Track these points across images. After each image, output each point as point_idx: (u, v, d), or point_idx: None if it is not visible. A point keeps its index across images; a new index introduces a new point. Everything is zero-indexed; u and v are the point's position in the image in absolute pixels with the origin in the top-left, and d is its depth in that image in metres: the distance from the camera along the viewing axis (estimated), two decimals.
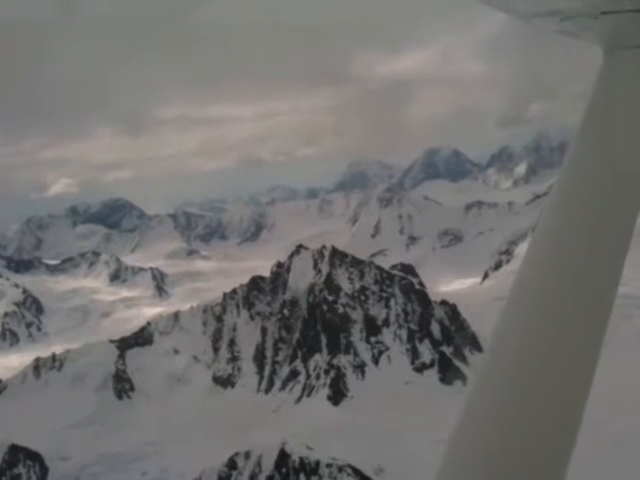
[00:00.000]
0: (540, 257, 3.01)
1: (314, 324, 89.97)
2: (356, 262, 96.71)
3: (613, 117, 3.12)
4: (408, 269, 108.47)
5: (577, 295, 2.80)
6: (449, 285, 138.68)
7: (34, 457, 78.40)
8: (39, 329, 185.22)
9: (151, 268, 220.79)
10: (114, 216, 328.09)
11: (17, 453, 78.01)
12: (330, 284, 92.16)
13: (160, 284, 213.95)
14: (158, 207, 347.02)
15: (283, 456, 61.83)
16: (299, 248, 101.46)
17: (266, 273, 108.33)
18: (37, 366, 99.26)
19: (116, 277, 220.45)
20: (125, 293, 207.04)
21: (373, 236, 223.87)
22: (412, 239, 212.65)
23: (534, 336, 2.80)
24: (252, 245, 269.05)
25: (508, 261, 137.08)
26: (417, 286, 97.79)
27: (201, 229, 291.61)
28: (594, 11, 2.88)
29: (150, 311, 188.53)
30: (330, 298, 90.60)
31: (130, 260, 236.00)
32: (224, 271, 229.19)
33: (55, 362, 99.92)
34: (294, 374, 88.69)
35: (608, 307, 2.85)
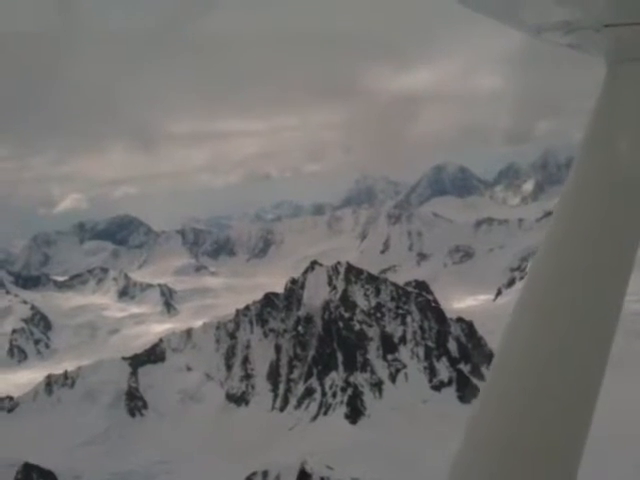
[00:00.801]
0: (546, 269, 2.99)
1: (330, 341, 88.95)
2: (372, 278, 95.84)
3: (616, 130, 3.06)
4: (422, 286, 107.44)
5: (583, 307, 2.81)
6: (462, 302, 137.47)
7: (47, 476, 77.39)
8: (47, 346, 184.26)
9: (159, 284, 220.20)
10: (121, 232, 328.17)
11: (30, 472, 76.98)
12: (346, 301, 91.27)
13: (169, 300, 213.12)
14: (164, 224, 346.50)
15: (303, 476, 60.78)
16: (313, 264, 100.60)
17: (276, 289, 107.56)
18: (49, 383, 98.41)
19: (124, 293, 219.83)
20: (133, 309, 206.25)
21: (382, 252, 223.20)
22: (422, 256, 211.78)
23: (540, 347, 2.81)
24: (260, 261, 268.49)
25: (521, 278, 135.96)
26: (433, 303, 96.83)
27: (209, 245, 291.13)
28: (597, 24, 2.85)
29: (159, 327, 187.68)
30: (346, 315, 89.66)
31: (138, 276, 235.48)
32: (233, 287, 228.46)
33: (67, 379, 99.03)
34: (309, 392, 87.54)
35: (615, 319, 2.82)
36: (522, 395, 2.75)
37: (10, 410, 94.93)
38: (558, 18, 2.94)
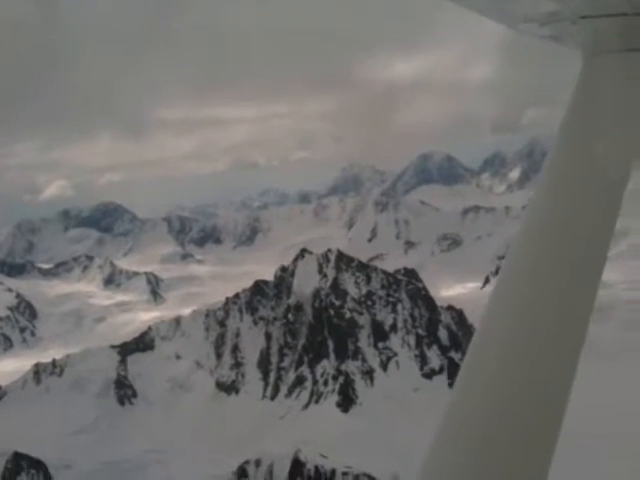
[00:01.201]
0: (521, 261, 3.03)
1: (321, 329, 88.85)
2: (362, 266, 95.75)
3: (593, 121, 3.10)
4: (411, 274, 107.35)
5: (557, 298, 2.85)
6: (450, 290, 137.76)
7: (37, 465, 76.87)
8: (33, 334, 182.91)
9: (146, 272, 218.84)
10: (106, 220, 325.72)
11: (20, 461, 76.43)
12: (336, 289, 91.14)
13: (155, 288, 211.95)
14: (149, 211, 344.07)
15: (297, 464, 60.70)
16: (303, 252, 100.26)
17: (263, 277, 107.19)
18: (37, 371, 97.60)
19: (110, 281, 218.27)
20: (120, 297, 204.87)
21: (370, 240, 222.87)
22: (409, 244, 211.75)
23: (515, 337, 2.84)
24: (247, 249, 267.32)
25: None
26: (423, 291, 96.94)
27: (195, 233, 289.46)
28: (573, 16, 2.92)
29: (145, 316, 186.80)
30: (337, 303, 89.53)
31: (124, 264, 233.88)
32: (220, 275, 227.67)
33: (55, 368, 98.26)
34: (300, 380, 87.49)
35: (588, 311, 2.87)
36: (496, 386, 2.76)
37: None
38: (535, 10, 2.99)
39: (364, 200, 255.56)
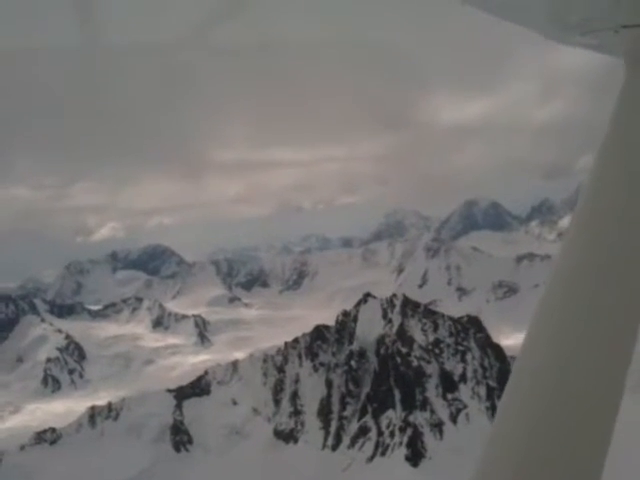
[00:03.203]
0: (566, 275, 2.95)
1: (386, 378, 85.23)
2: (429, 312, 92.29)
3: (636, 130, 3.01)
4: (474, 321, 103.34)
5: (604, 312, 2.79)
6: (510, 338, 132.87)
7: None
8: (81, 376, 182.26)
9: (194, 315, 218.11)
10: (154, 262, 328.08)
11: None
12: (403, 335, 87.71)
13: (203, 331, 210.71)
14: (192, 254, 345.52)
15: None
16: (366, 297, 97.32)
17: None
18: (92, 415, 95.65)
19: (159, 324, 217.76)
20: (168, 340, 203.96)
21: (420, 287, 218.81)
22: (461, 290, 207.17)
23: (561, 352, 2.79)
24: (294, 294, 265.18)
25: None
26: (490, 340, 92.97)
27: (242, 276, 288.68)
28: (615, 25, 2.89)
29: (194, 359, 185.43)
30: (404, 350, 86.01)
31: (172, 307, 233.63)
32: (267, 319, 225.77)
33: (111, 411, 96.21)
34: (364, 431, 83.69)
35: (636, 325, 2.80)
36: (542, 402, 2.68)
37: (53, 442, 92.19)
38: (576, 19, 2.88)
39: (414, 245, 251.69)
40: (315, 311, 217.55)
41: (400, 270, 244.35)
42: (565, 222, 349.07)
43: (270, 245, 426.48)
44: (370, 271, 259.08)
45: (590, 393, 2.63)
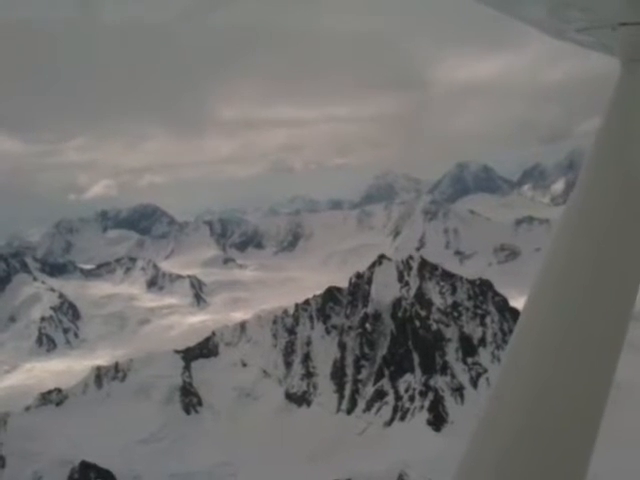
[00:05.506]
0: (556, 266, 3.01)
1: (404, 341, 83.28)
2: (447, 275, 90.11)
3: (630, 128, 3.06)
4: (486, 284, 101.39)
5: (594, 303, 2.84)
6: (518, 302, 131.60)
7: (106, 475, 72.20)
8: (76, 335, 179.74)
9: (189, 275, 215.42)
10: (145, 222, 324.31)
11: (88, 471, 72.02)
12: (421, 298, 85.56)
13: (198, 292, 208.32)
14: (179, 215, 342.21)
15: None
16: (381, 258, 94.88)
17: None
18: (99, 375, 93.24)
19: (153, 284, 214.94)
20: (164, 300, 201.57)
21: (418, 250, 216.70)
22: (460, 254, 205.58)
23: (551, 342, 2.84)
24: (289, 255, 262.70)
25: None
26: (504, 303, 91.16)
27: (237, 237, 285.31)
28: (612, 22, 2.93)
29: (191, 319, 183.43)
30: (422, 313, 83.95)
31: (165, 267, 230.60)
32: (262, 280, 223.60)
33: (118, 372, 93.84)
34: (380, 395, 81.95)
35: (626, 317, 2.85)
36: (532, 392, 2.72)
37: (59, 403, 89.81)
38: (573, 16, 2.90)
39: (411, 208, 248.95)
40: (311, 273, 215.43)
41: (397, 233, 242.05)
42: (558, 187, 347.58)
43: (256, 207, 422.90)
44: (365, 234, 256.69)
45: (578, 389, 2.64)
